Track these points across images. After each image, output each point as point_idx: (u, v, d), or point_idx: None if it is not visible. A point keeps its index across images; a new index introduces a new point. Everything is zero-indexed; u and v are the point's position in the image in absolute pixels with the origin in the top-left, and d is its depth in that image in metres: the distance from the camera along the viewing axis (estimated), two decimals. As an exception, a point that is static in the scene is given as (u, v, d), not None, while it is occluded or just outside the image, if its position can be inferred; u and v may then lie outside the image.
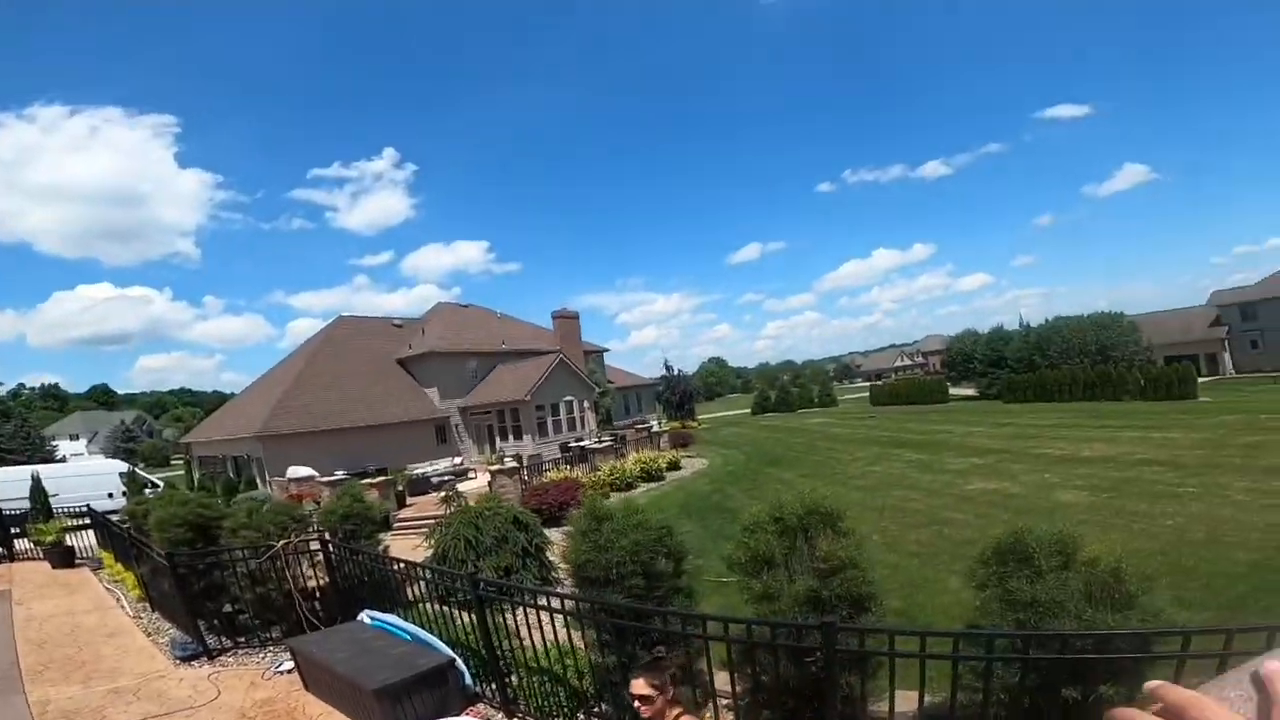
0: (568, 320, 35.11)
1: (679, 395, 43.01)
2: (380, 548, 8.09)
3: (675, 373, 44.76)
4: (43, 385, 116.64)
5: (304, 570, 7.86)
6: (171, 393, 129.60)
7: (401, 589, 6.84)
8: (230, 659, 7.29)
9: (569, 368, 31.12)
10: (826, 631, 3.27)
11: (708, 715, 4.10)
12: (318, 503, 14.41)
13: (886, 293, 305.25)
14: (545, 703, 5.17)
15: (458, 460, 24.83)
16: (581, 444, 23.21)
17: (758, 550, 4.13)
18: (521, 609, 5.16)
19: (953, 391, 48.93)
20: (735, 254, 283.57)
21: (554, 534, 10.85)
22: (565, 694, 5.03)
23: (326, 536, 8.05)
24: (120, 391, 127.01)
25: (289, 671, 6.59)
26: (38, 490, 15.95)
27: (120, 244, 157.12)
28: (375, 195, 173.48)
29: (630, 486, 17.82)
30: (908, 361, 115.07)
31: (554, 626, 4.89)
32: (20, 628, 8.83)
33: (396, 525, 15.06)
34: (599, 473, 18.12)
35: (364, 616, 6.68)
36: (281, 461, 22.63)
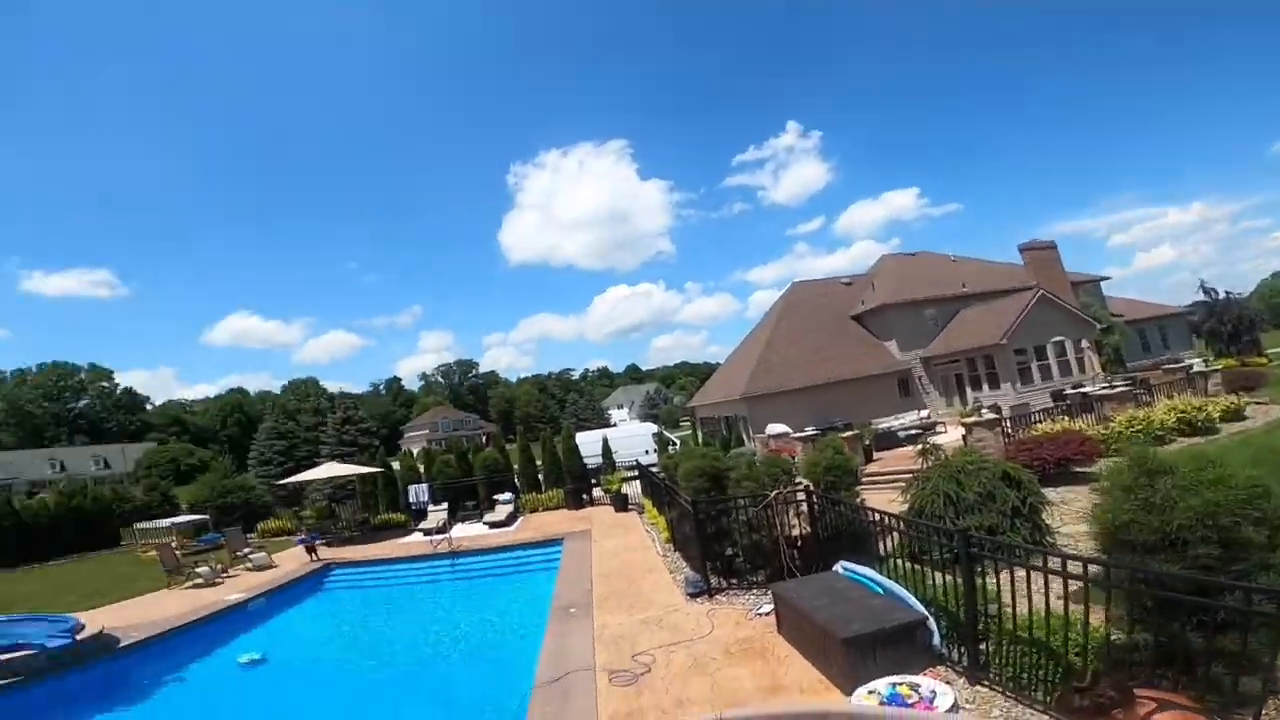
0: (1042, 252, 29.28)
1: (1230, 324, 31.43)
2: (855, 500, 8.18)
3: (1220, 296, 32.80)
4: (598, 369, 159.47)
5: (789, 520, 8.46)
6: (676, 366, 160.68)
7: (876, 542, 6.78)
8: (724, 598, 8.19)
9: (1053, 303, 26.16)
10: None
11: None
12: (792, 457, 15.60)
13: None
14: (1022, 674, 4.54)
15: (924, 413, 23.59)
16: (1082, 390, 19.18)
17: None
18: (1008, 571, 4.65)
19: None
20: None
21: (1050, 494, 9.21)
22: (1053, 667, 4.31)
23: (810, 487, 8.55)
24: (643, 368, 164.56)
25: (766, 614, 7.13)
26: (606, 449, 21.43)
27: (624, 252, 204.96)
28: (792, 168, 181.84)
29: (1161, 440, 13.82)
30: None
31: (1046, 595, 4.22)
32: (595, 563, 11.16)
33: (864, 479, 15.16)
34: (1112, 424, 14.63)
35: (838, 567, 6.87)
36: (761, 420, 25.46)
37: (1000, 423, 15.25)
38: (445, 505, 17.78)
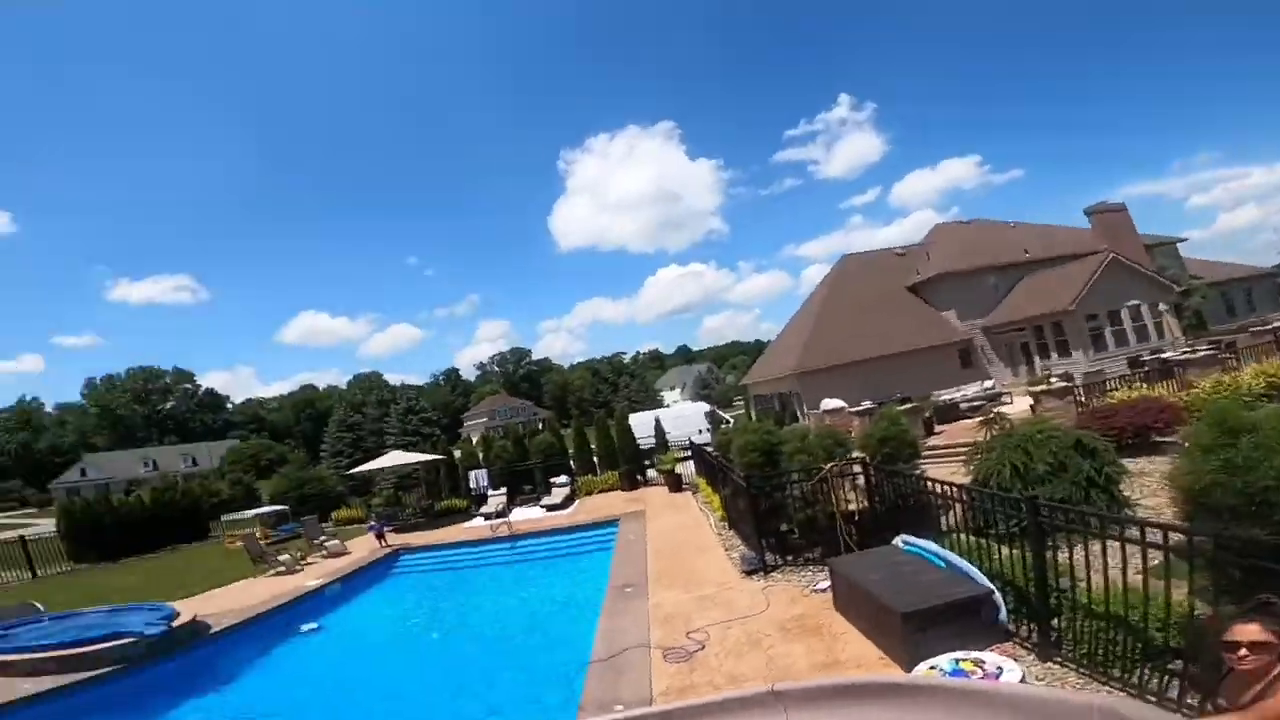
0: (1111, 214, 27.70)
1: None
2: (915, 472, 7.97)
3: None
4: (649, 351, 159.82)
5: (845, 493, 8.27)
6: (727, 346, 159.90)
7: (938, 516, 6.57)
8: (779, 575, 8.12)
9: (1126, 266, 24.76)
10: None
11: None
12: (849, 433, 15.28)
13: None
14: (1098, 650, 4.34)
15: (988, 384, 22.68)
16: (1161, 355, 18.12)
17: None
18: (1083, 545, 4.41)
19: None
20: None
21: (1129, 464, 8.75)
22: (1132, 642, 4.10)
23: (866, 459, 8.38)
24: (695, 349, 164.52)
25: (824, 590, 6.99)
26: (659, 430, 21.42)
27: (675, 232, 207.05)
28: (846, 140, 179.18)
29: (1249, 407, 12.85)
30: None
31: (1124, 568, 3.96)
32: (650, 543, 11.16)
33: (925, 453, 14.70)
34: (1194, 390, 13.75)
35: (898, 541, 6.67)
36: (815, 395, 25.07)
37: (1072, 390, 14.59)
38: (504, 490, 18.12)
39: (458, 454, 21.82)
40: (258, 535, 16.09)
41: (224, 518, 21.25)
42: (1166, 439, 11.17)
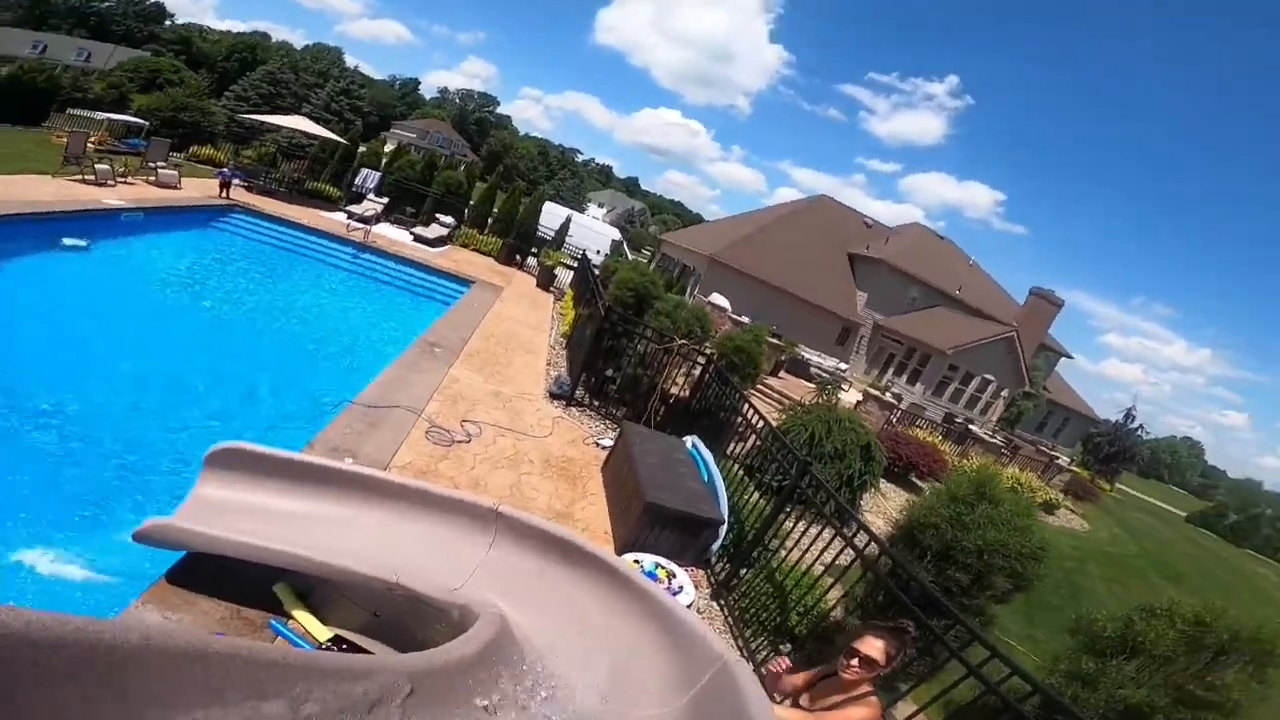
0: (1046, 303, 29.38)
1: (1113, 448, 33.65)
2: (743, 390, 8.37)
3: (1131, 424, 34.53)
4: (603, 165, 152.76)
5: (676, 374, 8.38)
6: (671, 201, 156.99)
7: (732, 439, 6.74)
8: (577, 412, 7.96)
9: (1014, 350, 27.00)
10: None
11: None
12: (715, 331, 15.91)
13: None
14: (752, 612, 4.85)
15: (842, 366, 24.55)
16: (969, 425, 20.55)
17: (1141, 635, 3.06)
18: (807, 524, 4.67)
19: None
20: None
21: (884, 484, 10.15)
22: (774, 619, 4.60)
23: (713, 355, 8.35)
24: (644, 188, 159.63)
25: (604, 447, 6.91)
26: (564, 228, 21.04)
27: (700, 87, 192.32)
28: (914, 112, 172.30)
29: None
30: None
31: (809, 558, 4.33)
32: (486, 320, 10.71)
33: (760, 385, 15.77)
34: (965, 462, 15.91)
35: (689, 440, 6.70)
36: (712, 285, 25.80)
37: (893, 409, 16.22)
38: (386, 200, 17.11)
39: (362, 149, 20.03)
40: (91, 138, 13.70)
41: (69, 111, 18.14)
42: (920, 483, 12.99)
